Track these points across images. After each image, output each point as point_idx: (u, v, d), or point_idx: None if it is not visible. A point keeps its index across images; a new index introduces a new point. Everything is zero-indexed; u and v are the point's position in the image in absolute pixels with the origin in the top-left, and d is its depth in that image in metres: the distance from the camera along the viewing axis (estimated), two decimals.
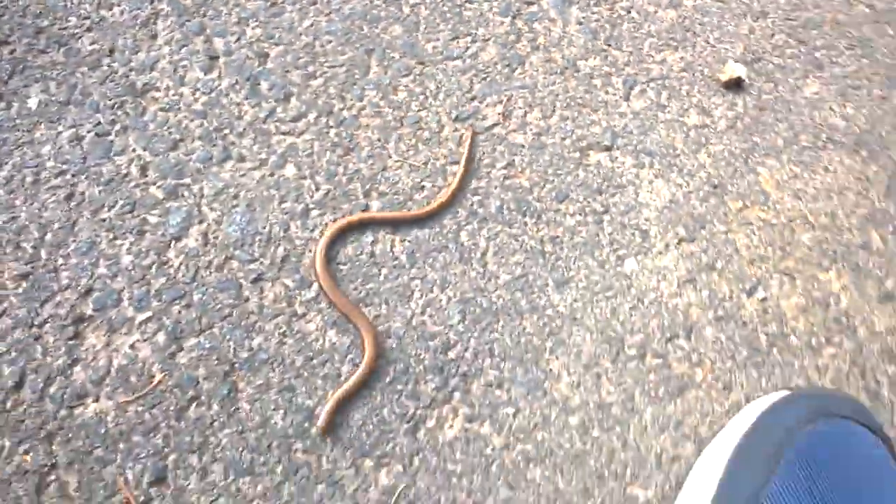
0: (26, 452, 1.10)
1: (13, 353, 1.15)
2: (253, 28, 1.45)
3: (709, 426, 1.37)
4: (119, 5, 1.41)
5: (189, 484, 1.13)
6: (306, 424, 1.20)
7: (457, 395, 1.29)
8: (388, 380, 1.27)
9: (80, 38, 1.37)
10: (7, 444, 1.10)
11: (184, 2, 1.45)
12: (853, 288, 1.58)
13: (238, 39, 1.43)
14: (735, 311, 1.51)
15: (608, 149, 1.58)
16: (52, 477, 1.09)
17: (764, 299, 1.53)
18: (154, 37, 1.40)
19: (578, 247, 1.48)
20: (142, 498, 1.11)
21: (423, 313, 1.33)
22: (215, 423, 1.17)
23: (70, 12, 1.38)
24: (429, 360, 1.30)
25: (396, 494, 1.19)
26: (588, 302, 1.43)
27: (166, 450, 1.14)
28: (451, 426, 1.26)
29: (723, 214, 1.59)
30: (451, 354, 1.32)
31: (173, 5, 1.44)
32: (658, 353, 1.40)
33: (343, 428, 1.21)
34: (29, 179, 1.26)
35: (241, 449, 1.16)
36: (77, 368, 1.16)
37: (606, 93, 1.65)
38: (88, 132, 1.30)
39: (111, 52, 1.37)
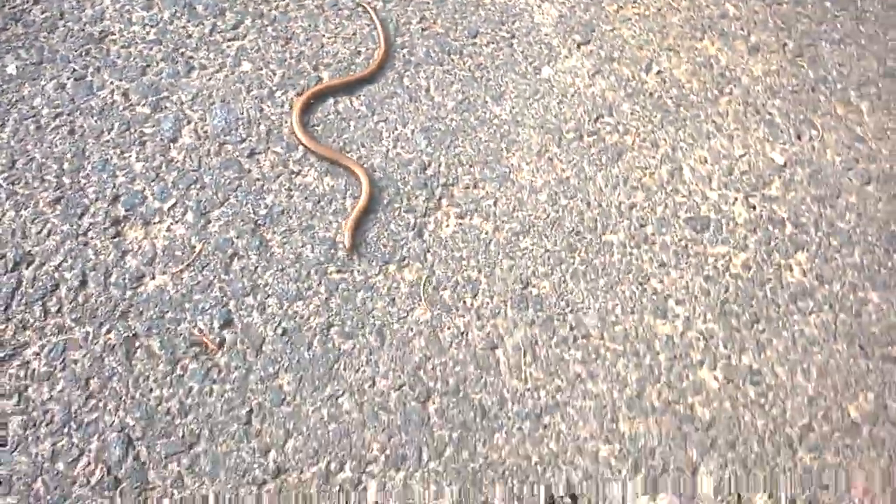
0: (108, 332, 1.27)
1: (69, 260, 1.32)
2: None
3: (649, 175, 1.66)
4: None
5: (253, 320, 1.32)
6: (332, 251, 1.41)
7: (444, 201, 1.53)
8: (385, 202, 1.50)
9: (30, 11, 1.55)
10: (90, 329, 1.26)
11: None
12: (726, 49, 1.92)
13: None
14: (640, 87, 1.82)
15: None
16: (136, 344, 1.27)
17: (659, 72, 1.85)
18: None
19: (501, 67, 1.76)
20: (217, 340, 1.29)
21: (395, 147, 1.57)
22: (258, 269, 1.37)
23: None
24: (413, 181, 1.54)
25: (422, 284, 1.42)
26: (523, 107, 1.70)
27: (225, 298, 1.33)
28: (448, 225, 1.50)
29: (605, 17, 1.91)
30: (429, 172, 1.56)
31: None
32: (591, 132, 1.69)
33: (363, 246, 1.44)
34: (32, 127, 1.43)
35: (286, 281, 1.36)
36: (128, 258, 1.33)
37: None
38: (68, 79, 1.49)
39: (62, 14, 1.56)
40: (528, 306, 1.44)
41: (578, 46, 1.82)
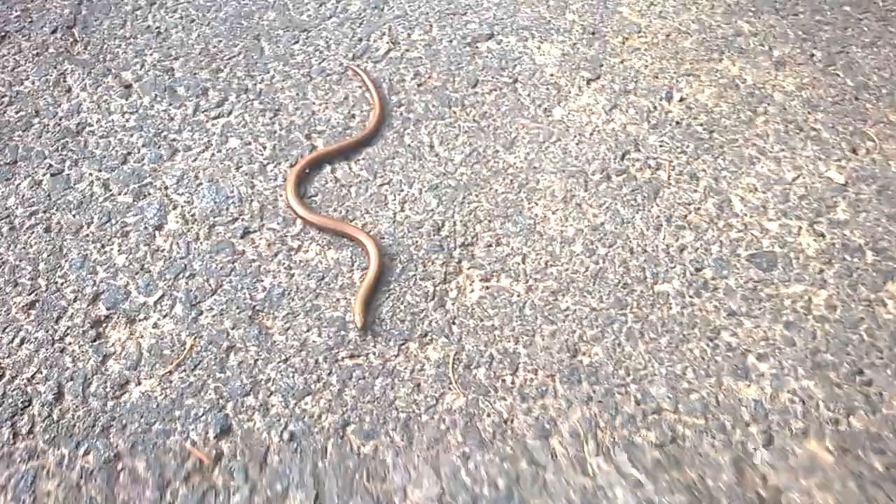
0: (86, 453, 1.08)
1: (44, 371, 1.15)
2: (151, 54, 1.62)
3: (694, 212, 1.48)
4: (28, 79, 1.55)
5: (254, 424, 1.13)
6: (342, 333, 1.24)
7: (464, 263, 1.36)
8: (398, 271, 1.33)
9: (3, 112, 1.47)
10: (65, 451, 1.08)
11: (81, 57, 1.60)
12: (750, 67, 1.78)
13: (142, 66, 1.59)
14: (664, 116, 1.67)
15: (490, 36, 1.79)
16: (119, 466, 1.08)
17: (682, 99, 1.70)
18: (69, 90, 1.53)
19: (508, 113, 1.63)
20: (213, 453, 1.10)
21: (402, 210, 1.42)
22: (258, 362, 1.19)
23: None
24: (426, 244, 1.37)
25: (451, 363, 1.22)
26: (539, 152, 1.55)
27: (221, 401, 1.15)
28: (472, 290, 1.32)
29: (611, 50, 1.79)
30: (444, 232, 1.40)
31: (75, 63, 1.58)
32: (619, 170, 1.53)
33: (377, 324, 1.26)
34: (6, 229, 1.31)
35: (291, 374, 1.18)
36: (110, 362, 1.17)
37: None
38: (44, 175, 1.38)
39: (37, 112, 1.48)
40: (580, 379, 1.23)
41: (588, 83, 1.69)
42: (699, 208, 1.48)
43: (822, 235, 1.44)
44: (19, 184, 1.36)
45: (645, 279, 1.37)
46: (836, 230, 1.44)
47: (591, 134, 1.58)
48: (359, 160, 1.48)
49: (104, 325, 1.22)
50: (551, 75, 1.69)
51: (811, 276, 1.37)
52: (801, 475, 1.10)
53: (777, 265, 1.39)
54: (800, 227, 1.44)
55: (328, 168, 1.45)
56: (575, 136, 1.57)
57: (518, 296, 1.33)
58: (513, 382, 1.20)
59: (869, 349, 1.26)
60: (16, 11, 1.65)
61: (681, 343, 1.27)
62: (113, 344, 1.20)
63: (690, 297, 1.34)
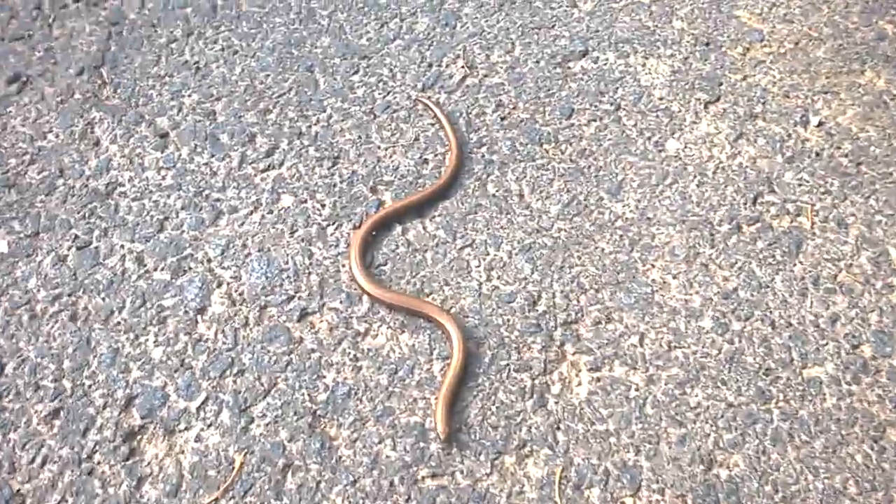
0: None
1: (70, 499, 0.95)
2: (189, 96, 1.39)
3: (846, 270, 1.19)
4: (51, 132, 1.35)
5: None
6: (422, 444, 1.00)
7: (568, 347, 1.10)
8: (487, 360, 1.09)
9: (25, 172, 1.28)
10: None
11: (111, 102, 1.39)
12: None
13: (179, 111, 1.37)
14: (800, 147, 1.37)
15: (585, 53, 1.50)
16: None
17: (821, 123, 1.40)
18: (97, 143, 1.32)
19: (612, 149, 1.35)
20: None
21: (489, 279, 1.17)
22: (321, 485, 0.97)
23: (7, 154, 1.31)
24: (520, 323, 1.13)
25: (557, 481, 0.98)
26: (652, 198, 1.28)
27: None
28: (579, 382, 1.07)
29: (731, 64, 1.49)
30: (541, 306, 1.14)
31: (103, 110, 1.37)
32: (751, 218, 1.25)
33: (464, 431, 1.02)
34: (26, 318, 1.11)
35: (361, 499, 0.96)
36: (145, 487, 0.96)
37: (552, 8, 1.58)
38: (69, 249, 1.18)
39: (61, 172, 1.28)
40: (718, 500, 0.97)
41: (706, 106, 1.39)
42: (851, 264, 1.18)
43: None
44: (41, 260, 1.16)
45: (791, 362, 1.09)
46: None
47: (715, 172, 1.30)
48: (434, 217, 1.23)
49: (139, 437, 1.01)
50: (661, 99, 1.40)
51: None
52: None
53: None
54: None
55: (398, 228, 1.21)
56: (695, 176, 1.29)
57: (637, 389, 1.07)
58: None
59: None
60: (38, 52, 1.45)
61: (839, 447, 1.01)
62: (149, 463, 1.00)
63: (847, 383, 1.06)
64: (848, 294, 1.14)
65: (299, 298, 1.14)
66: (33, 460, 1.00)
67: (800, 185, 1.28)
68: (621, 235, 1.22)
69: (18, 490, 0.97)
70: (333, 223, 1.22)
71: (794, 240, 1.21)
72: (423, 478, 0.99)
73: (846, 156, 1.32)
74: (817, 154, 1.32)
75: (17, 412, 1.04)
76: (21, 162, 1.29)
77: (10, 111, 1.40)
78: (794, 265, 1.18)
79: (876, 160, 1.32)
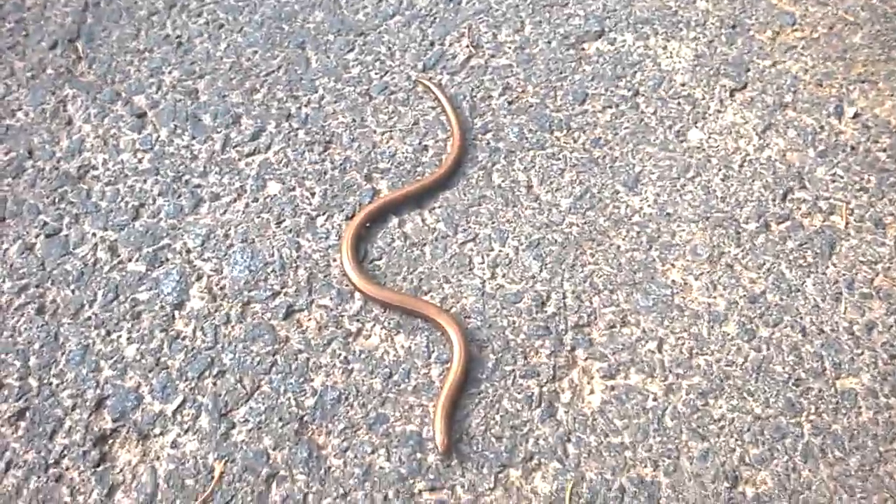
0: None
1: None
2: (169, 73, 1.32)
3: (883, 273, 1.10)
4: (20, 109, 1.28)
5: None
6: (419, 454, 0.93)
7: (579, 352, 1.03)
8: (490, 365, 1.01)
9: None
10: None
11: (85, 79, 1.32)
12: None
13: (158, 89, 1.30)
14: (834, 139, 1.28)
15: (601, 34, 1.41)
16: None
17: (856, 115, 1.31)
18: (69, 122, 1.26)
19: (629, 138, 1.27)
20: None
21: (494, 276, 1.09)
22: (309, 497, 0.89)
23: None
24: (527, 325, 1.05)
25: (567, 497, 0.90)
26: (672, 191, 1.20)
27: None
28: (592, 391, 0.99)
29: (759, 49, 1.40)
30: (550, 308, 1.07)
31: (77, 87, 1.30)
32: (780, 216, 1.17)
33: (465, 442, 0.94)
34: None
35: None
36: (118, 496, 0.90)
37: None
38: (37, 237, 1.11)
39: (30, 153, 1.21)
40: None
41: (732, 94, 1.30)
42: (889, 268, 1.11)
43: None
44: (7, 248, 1.09)
45: (824, 372, 1.02)
46: None
47: (741, 165, 1.21)
48: (434, 208, 1.15)
49: (110, 442, 0.95)
50: (683, 85, 1.31)
51: None
52: None
53: None
54: None
55: (395, 220, 1.13)
56: (719, 169, 1.20)
57: (654, 399, 0.99)
58: None
59: None
60: (8, 24, 1.36)
61: (876, 464, 0.94)
62: (121, 470, 0.92)
63: (885, 396, 1.00)
64: (885, 300, 1.07)
65: (285, 294, 1.07)
66: None
67: (833, 181, 1.20)
68: (638, 232, 1.14)
69: None
70: (324, 213, 1.15)
71: (826, 240, 1.12)
72: (421, 491, 0.92)
73: (884, 150, 1.24)
74: (852, 148, 1.24)
75: None
76: None
77: None
78: (827, 267, 1.10)
79: None
